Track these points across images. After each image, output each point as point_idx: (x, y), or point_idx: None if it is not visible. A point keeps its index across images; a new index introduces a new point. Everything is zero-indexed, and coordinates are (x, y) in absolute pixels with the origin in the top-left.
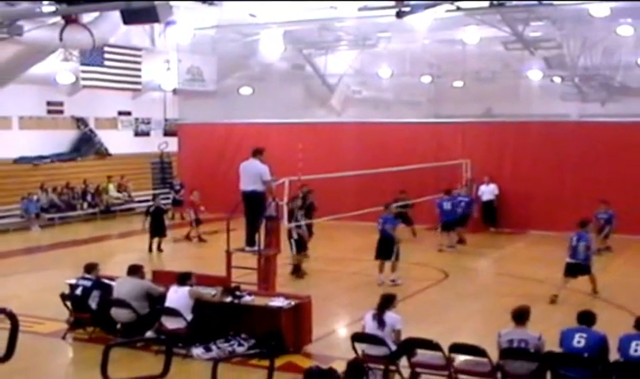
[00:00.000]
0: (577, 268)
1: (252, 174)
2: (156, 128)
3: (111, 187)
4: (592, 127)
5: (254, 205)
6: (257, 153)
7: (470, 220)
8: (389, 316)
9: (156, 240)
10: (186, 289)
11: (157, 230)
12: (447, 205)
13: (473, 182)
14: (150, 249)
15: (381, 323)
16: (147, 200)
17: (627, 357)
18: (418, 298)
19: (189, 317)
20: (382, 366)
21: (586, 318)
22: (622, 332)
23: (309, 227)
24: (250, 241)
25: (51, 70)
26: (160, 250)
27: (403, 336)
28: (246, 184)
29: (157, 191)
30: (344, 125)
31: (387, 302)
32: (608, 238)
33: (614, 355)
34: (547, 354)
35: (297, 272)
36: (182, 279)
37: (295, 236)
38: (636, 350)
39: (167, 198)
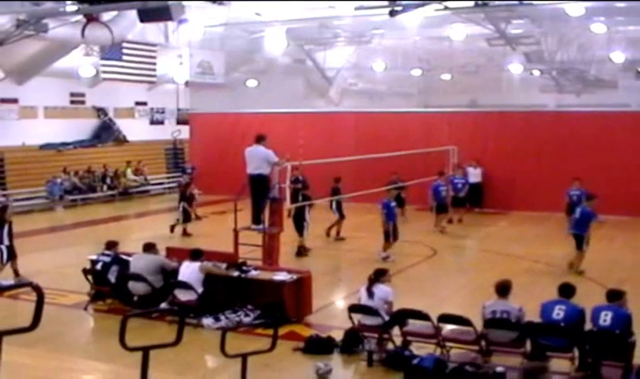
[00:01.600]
0: (576, 238)
1: (258, 158)
2: (170, 117)
3: (129, 171)
4: (568, 116)
5: (260, 187)
6: (260, 140)
7: (466, 200)
8: (381, 289)
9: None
10: (197, 264)
11: (183, 215)
12: (442, 189)
13: (460, 166)
14: (172, 230)
15: (370, 294)
16: (161, 183)
17: (597, 326)
18: (409, 273)
19: (200, 290)
20: (376, 335)
21: (566, 291)
22: (595, 303)
23: (339, 209)
24: (256, 220)
25: (74, 64)
26: (187, 235)
27: (395, 308)
28: (253, 168)
29: (170, 175)
30: (341, 115)
31: (378, 275)
32: None
33: (588, 326)
34: (527, 324)
35: (305, 251)
36: (194, 255)
37: (307, 219)
38: (605, 321)
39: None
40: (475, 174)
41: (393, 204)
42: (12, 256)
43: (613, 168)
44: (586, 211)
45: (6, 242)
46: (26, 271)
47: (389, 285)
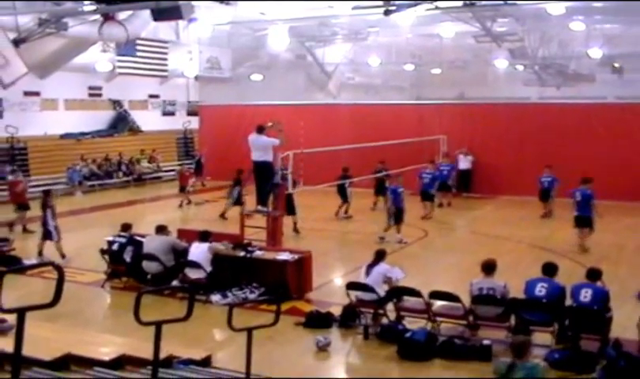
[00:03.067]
0: (581, 220)
1: (261, 146)
2: (181, 109)
3: (144, 160)
4: (549, 108)
5: (264, 173)
6: (261, 130)
7: (452, 185)
8: (381, 265)
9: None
10: (206, 245)
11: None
12: (425, 175)
13: (449, 155)
14: (223, 215)
15: (368, 273)
16: (173, 170)
17: (578, 302)
18: (402, 253)
19: (208, 268)
20: (371, 310)
21: (549, 269)
22: (573, 280)
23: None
24: (262, 203)
25: (92, 60)
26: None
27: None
28: (257, 155)
29: (181, 162)
30: (339, 107)
31: (379, 256)
32: (549, 200)
33: (568, 301)
34: (512, 300)
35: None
36: (203, 236)
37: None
38: (585, 297)
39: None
40: (465, 161)
41: (400, 189)
42: (50, 236)
43: (591, 155)
44: (586, 193)
45: (52, 223)
46: (47, 251)
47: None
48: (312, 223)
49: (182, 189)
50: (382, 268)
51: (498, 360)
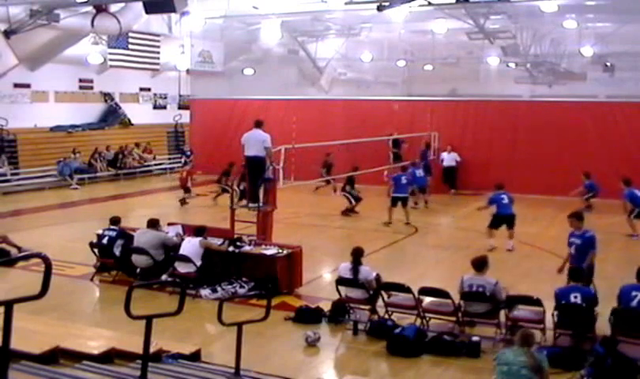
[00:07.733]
0: None
1: (256, 141)
2: (172, 102)
3: (136, 151)
4: (540, 106)
5: (256, 168)
6: (259, 124)
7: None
8: (364, 270)
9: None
10: (197, 239)
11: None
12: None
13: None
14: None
15: (355, 273)
16: (162, 164)
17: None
18: (392, 249)
19: (199, 263)
20: (361, 306)
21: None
22: (564, 278)
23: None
24: (253, 199)
25: (83, 52)
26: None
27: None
28: (250, 150)
29: (172, 156)
30: (331, 102)
31: (359, 255)
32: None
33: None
34: (508, 298)
35: None
36: (198, 231)
37: None
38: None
39: (179, 162)
40: (449, 158)
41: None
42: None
43: (582, 153)
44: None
45: None
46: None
47: (367, 264)
48: (303, 218)
49: (186, 191)
50: (366, 271)
51: (503, 351)
